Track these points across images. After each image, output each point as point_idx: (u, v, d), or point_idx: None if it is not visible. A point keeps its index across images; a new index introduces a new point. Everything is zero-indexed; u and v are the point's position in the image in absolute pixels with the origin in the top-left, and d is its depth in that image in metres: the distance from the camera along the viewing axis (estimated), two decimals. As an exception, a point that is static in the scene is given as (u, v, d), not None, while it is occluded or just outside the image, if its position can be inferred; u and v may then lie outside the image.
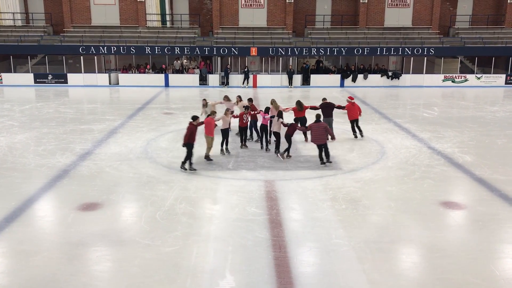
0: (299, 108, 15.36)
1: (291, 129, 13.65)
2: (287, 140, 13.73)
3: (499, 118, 20.43)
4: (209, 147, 13.45)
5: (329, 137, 13.35)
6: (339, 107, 16.35)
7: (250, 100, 16.31)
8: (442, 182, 11.95)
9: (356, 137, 16.20)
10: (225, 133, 14.08)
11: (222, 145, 14.26)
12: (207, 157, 13.46)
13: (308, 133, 14.29)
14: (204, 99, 17.10)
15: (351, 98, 16.75)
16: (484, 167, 13.12)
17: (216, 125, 13.58)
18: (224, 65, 32.54)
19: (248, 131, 15.46)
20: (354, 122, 16.21)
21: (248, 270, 7.51)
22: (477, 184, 11.86)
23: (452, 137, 16.69)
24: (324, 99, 16.57)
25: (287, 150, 13.84)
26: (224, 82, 31.74)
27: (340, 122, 19.07)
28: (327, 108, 15.91)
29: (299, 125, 13.99)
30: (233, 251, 8.14)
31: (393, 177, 12.27)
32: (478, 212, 10.01)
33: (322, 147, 12.97)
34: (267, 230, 8.94)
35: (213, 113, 13.67)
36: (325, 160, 13.03)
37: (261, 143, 14.97)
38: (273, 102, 15.48)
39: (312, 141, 13.18)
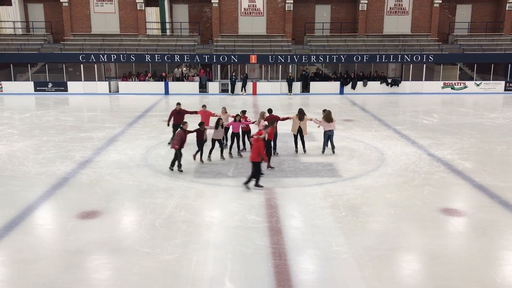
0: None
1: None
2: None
3: (498, 125, 20.45)
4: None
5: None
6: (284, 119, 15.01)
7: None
8: (442, 189, 11.94)
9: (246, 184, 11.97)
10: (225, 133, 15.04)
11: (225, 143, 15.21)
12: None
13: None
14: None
15: (259, 133, 12.32)
16: (484, 173, 13.11)
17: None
18: (228, 72, 32.58)
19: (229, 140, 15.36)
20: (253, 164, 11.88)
21: (248, 278, 7.48)
22: (477, 190, 11.85)
23: (451, 143, 16.69)
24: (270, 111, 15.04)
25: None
26: (230, 90, 31.67)
27: (340, 129, 19.10)
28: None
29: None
30: (232, 259, 8.11)
31: (393, 184, 12.26)
32: (478, 219, 9.99)
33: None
34: (267, 238, 8.92)
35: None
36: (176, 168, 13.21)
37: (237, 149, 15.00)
38: (262, 115, 14.66)
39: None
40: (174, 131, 15.64)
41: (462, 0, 36.18)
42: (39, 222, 10.04)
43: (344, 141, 16.99)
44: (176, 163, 13.20)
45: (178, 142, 12.96)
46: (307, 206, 10.63)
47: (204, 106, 16.06)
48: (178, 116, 15.74)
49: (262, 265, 7.87)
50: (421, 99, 29.83)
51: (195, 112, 16.25)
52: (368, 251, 8.37)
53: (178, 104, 16.05)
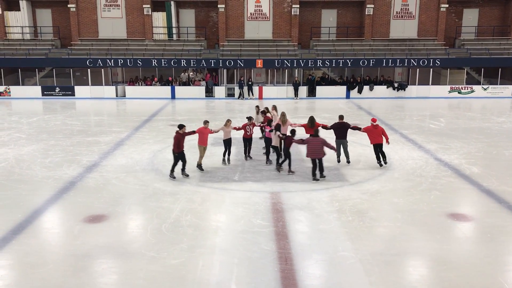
0: (310, 125, 14.18)
1: (287, 142, 13.18)
2: (285, 154, 13.35)
3: (506, 129, 20.32)
4: (201, 156, 13.77)
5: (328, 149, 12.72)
6: (355, 128, 14.46)
7: (263, 112, 16.18)
8: (449, 193, 11.87)
9: (380, 164, 14.02)
10: (227, 143, 14.31)
11: (224, 155, 14.53)
12: (199, 166, 13.75)
13: (304, 146, 13.47)
14: (257, 106, 17.70)
15: (373, 120, 14.15)
16: (491, 178, 13.03)
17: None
18: (234, 77, 32.63)
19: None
20: (377, 146, 14.03)
21: (254, 282, 7.46)
22: (484, 195, 11.77)
23: (459, 148, 16.60)
24: (340, 117, 14.64)
25: (289, 164, 13.38)
26: (241, 95, 31.70)
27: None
28: (341, 128, 14.33)
29: (294, 137, 13.22)
30: (238, 263, 8.10)
31: (400, 188, 12.21)
32: (486, 224, 9.92)
33: (317, 162, 12.65)
34: (273, 243, 8.90)
35: (206, 122, 13.78)
36: (318, 176, 12.70)
37: (267, 157, 14.87)
38: (283, 115, 14.83)
39: (307, 155, 12.79)
40: (177, 160, 12.97)
41: (469, 4, 36.07)
42: (46, 226, 10.08)
43: (350, 145, 16.86)
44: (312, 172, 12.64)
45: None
46: (313, 211, 10.60)
47: (206, 122, 13.79)
48: (183, 140, 13.03)
49: (269, 270, 7.85)
50: (427, 103, 29.72)
51: (193, 132, 13.59)
52: (374, 256, 8.33)
53: (183, 126, 13.01)
